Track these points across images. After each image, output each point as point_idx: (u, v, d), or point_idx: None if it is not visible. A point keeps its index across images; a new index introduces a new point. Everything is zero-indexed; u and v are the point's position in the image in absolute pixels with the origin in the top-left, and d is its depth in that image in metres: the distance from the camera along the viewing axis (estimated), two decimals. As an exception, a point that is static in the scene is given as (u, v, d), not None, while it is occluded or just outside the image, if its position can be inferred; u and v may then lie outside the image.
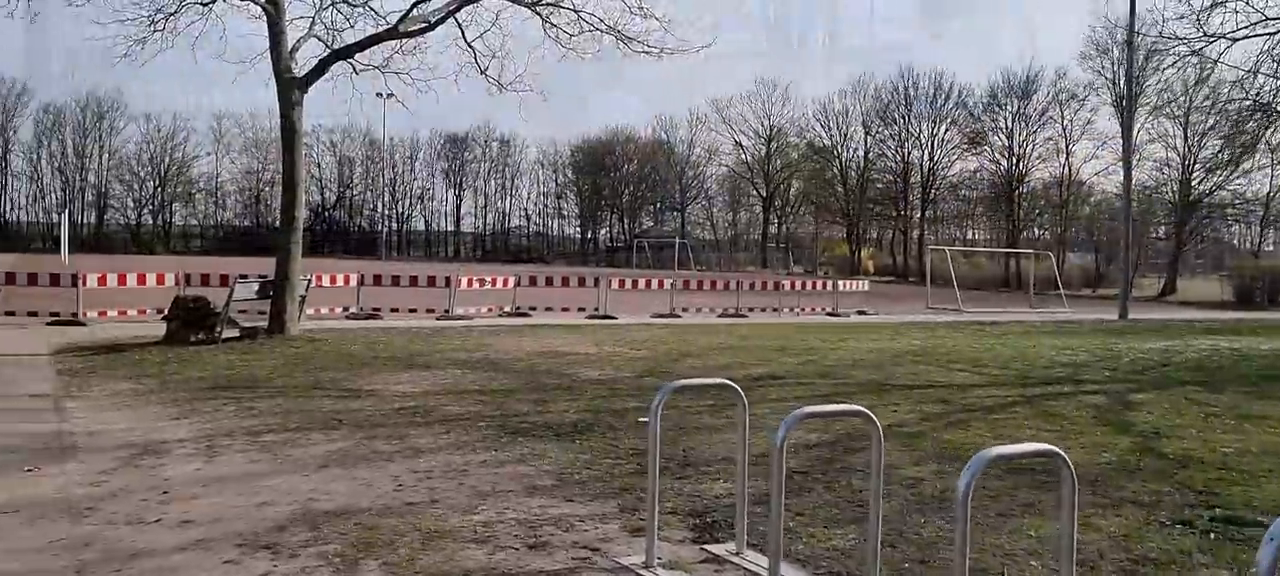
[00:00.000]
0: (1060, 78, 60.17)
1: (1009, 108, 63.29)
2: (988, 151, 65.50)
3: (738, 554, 4.90)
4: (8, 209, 74.40)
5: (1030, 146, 62.77)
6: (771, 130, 77.74)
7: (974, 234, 77.66)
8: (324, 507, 5.60)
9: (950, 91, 67.16)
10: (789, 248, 79.51)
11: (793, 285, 29.64)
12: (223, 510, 5.51)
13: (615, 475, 6.57)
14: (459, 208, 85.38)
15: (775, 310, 26.46)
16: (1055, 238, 61.49)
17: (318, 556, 4.70)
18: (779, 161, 78.59)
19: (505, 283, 23.36)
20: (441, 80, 19.26)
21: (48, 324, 16.54)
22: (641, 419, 8.66)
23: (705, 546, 5.08)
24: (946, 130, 67.99)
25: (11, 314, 17.40)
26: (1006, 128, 63.46)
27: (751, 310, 25.68)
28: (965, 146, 67.16)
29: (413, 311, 20.66)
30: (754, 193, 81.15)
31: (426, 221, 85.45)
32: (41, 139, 74.24)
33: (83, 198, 75.20)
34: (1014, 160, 63.17)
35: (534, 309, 22.59)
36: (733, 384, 5.03)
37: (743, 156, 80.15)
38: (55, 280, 18.82)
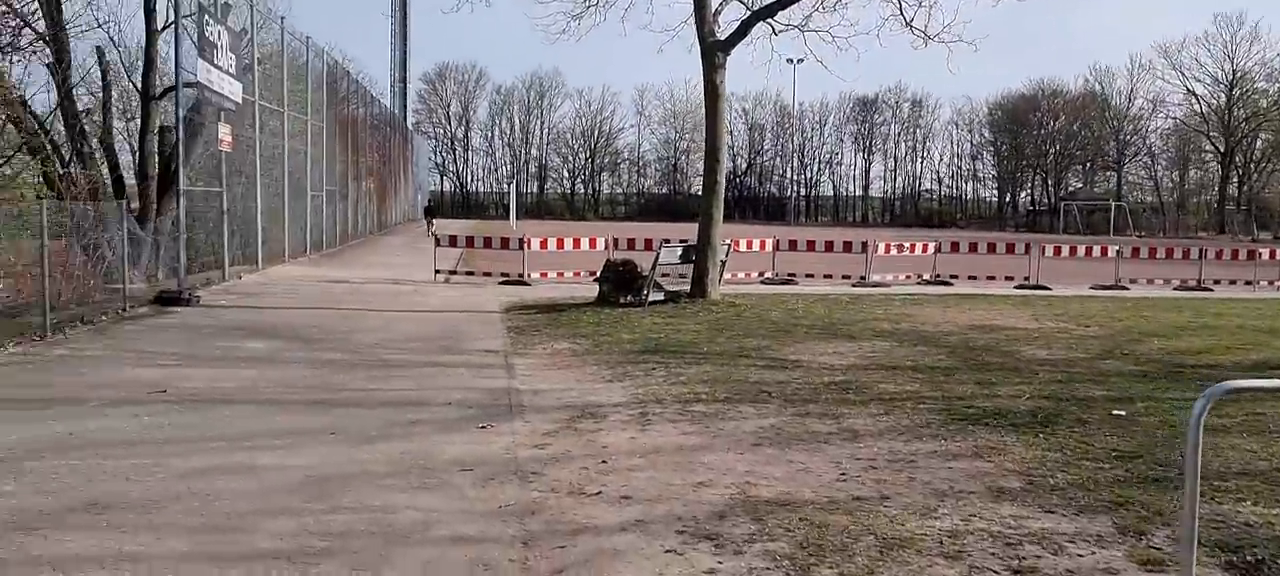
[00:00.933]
0: None
1: None
2: None
3: (1310, 615, 3.64)
4: (469, 180, 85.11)
5: None
6: (1234, 75, 67.29)
7: None
8: (763, 494, 5.11)
9: None
10: (1253, 210, 68.47)
11: (1273, 254, 25.01)
12: (660, 487, 5.22)
13: (1099, 482, 5.43)
14: (867, 171, 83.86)
15: (1248, 283, 22.47)
16: None
17: (764, 555, 4.19)
18: (1243, 111, 67.77)
19: (924, 249, 22.00)
20: (862, 36, 18.47)
21: (499, 283, 18.17)
22: (1116, 411, 7.31)
23: (1253, 596, 3.88)
24: None
25: (471, 273, 19.49)
26: None
27: (1216, 283, 22.00)
28: None
29: (827, 277, 20.11)
30: (1209, 148, 70.83)
31: (834, 186, 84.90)
32: (494, 117, 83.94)
33: (527, 169, 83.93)
34: None
35: (955, 277, 21.07)
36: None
37: (1195, 107, 70.25)
38: (505, 243, 20.72)
